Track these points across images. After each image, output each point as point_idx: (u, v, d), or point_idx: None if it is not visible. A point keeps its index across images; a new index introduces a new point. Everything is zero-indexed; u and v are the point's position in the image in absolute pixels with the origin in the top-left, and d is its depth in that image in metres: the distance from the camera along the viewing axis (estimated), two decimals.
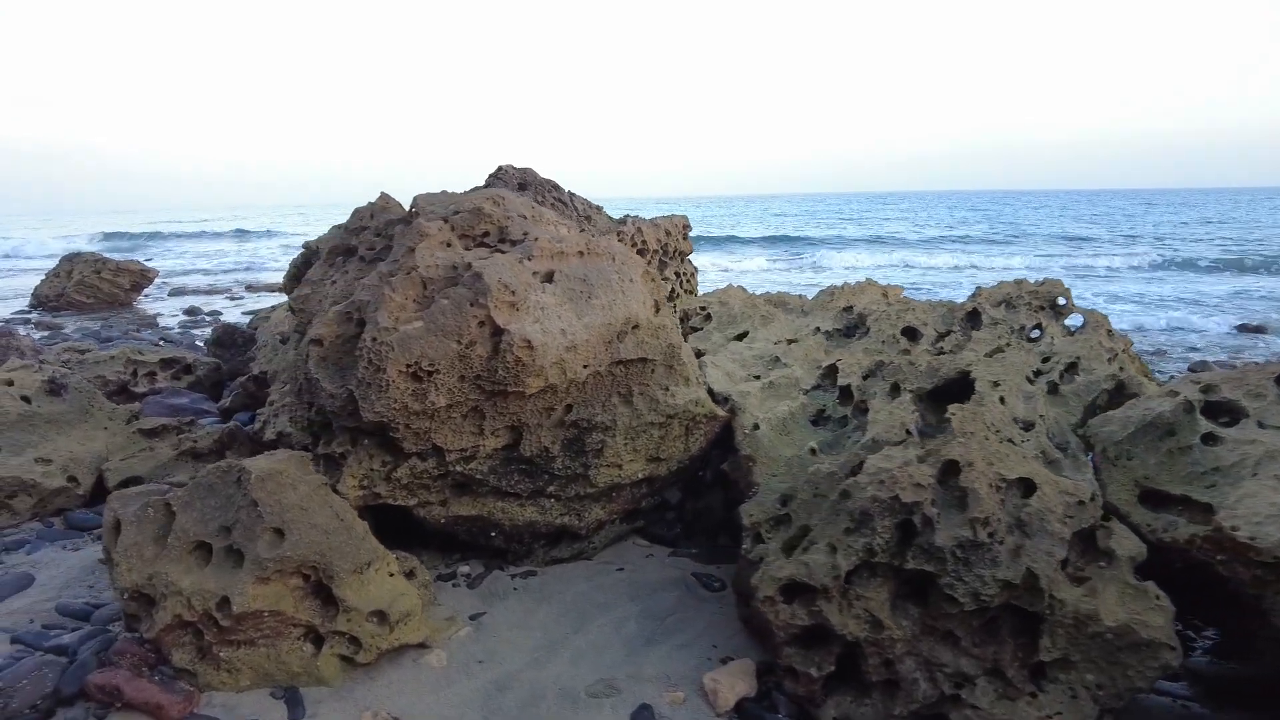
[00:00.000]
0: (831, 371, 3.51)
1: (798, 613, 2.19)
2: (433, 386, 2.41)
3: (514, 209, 2.87)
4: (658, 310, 2.99)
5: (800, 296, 4.83)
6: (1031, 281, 4.18)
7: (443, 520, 2.79)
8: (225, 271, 19.11)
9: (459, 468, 2.64)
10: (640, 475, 2.93)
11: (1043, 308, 3.97)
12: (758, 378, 3.62)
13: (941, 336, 3.89)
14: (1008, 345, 3.46)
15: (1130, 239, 25.41)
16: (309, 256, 6.53)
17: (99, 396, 4.00)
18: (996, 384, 2.98)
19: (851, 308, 4.29)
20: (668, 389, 2.91)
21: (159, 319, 10.47)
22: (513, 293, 2.44)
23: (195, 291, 13.57)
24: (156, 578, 2.30)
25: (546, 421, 2.68)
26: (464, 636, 2.56)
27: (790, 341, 4.10)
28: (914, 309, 4.01)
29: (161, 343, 8.35)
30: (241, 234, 35.43)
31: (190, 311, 11.08)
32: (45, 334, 8.85)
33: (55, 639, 2.48)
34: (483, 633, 2.59)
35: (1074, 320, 3.92)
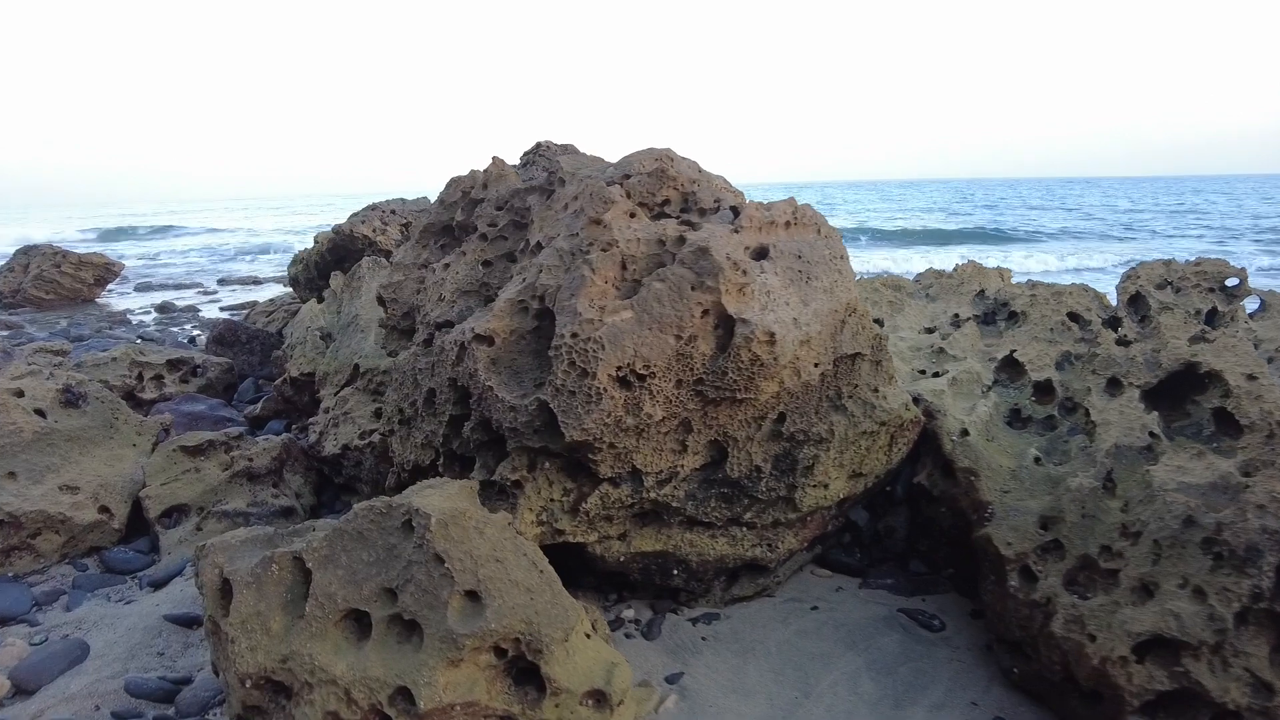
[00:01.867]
0: (1010, 364, 3.05)
1: (1155, 674, 1.72)
2: (647, 395, 1.87)
3: (689, 170, 2.33)
4: None
5: (903, 278, 4.37)
6: (1184, 262, 3.79)
7: (621, 558, 2.24)
8: (185, 265, 17.95)
9: (653, 493, 2.10)
10: (841, 495, 2.42)
11: (1212, 289, 3.58)
12: (923, 372, 3.14)
13: (1108, 323, 3.47)
14: (1207, 332, 3.04)
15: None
16: (337, 240, 5.86)
17: (123, 407, 3.33)
18: (1252, 376, 2.55)
19: (984, 291, 3.85)
20: (877, 390, 2.40)
21: (129, 315, 9.56)
22: (744, 273, 1.91)
23: (164, 286, 12.54)
24: (294, 660, 1.72)
25: (757, 434, 2.15)
26: (673, 708, 2.03)
27: (928, 330, 3.64)
28: (1069, 292, 3.58)
29: (140, 341, 7.53)
30: (202, 229, 33.61)
31: (163, 308, 10.16)
32: (6, 333, 7.93)
33: None
34: (691, 701, 2.06)
35: (1248, 304, 3.55)
